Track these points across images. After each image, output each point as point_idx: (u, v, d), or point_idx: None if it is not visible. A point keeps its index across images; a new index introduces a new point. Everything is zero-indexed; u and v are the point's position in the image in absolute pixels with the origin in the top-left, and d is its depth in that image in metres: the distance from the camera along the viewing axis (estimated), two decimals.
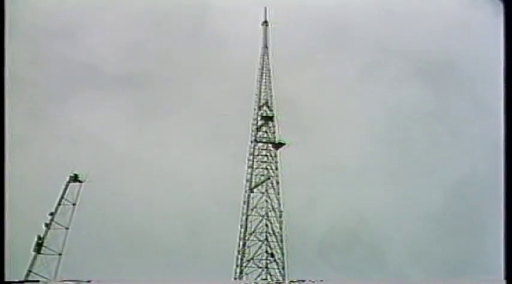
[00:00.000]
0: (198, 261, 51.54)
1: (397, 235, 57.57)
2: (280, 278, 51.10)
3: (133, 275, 49.14)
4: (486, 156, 51.48)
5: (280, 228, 53.57)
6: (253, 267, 51.42)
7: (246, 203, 54.30)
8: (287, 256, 52.09)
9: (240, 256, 51.86)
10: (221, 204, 53.49)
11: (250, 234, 52.77)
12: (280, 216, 54.02)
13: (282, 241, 52.95)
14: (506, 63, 21.07)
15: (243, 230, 52.90)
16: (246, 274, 51.10)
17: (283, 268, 51.79)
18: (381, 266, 56.16)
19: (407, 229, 57.67)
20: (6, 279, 22.74)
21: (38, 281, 27.65)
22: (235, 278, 50.51)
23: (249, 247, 52.14)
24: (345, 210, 54.41)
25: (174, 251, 52.10)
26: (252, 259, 51.64)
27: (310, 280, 32.24)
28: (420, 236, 56.87)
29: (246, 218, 53.49)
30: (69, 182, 51.97)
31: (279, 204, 54.56)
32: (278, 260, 52.00)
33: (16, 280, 26.00)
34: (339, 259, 55.06)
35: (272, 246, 52.42)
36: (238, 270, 51.33)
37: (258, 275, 51.05)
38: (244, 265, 51.51)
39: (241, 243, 52.37)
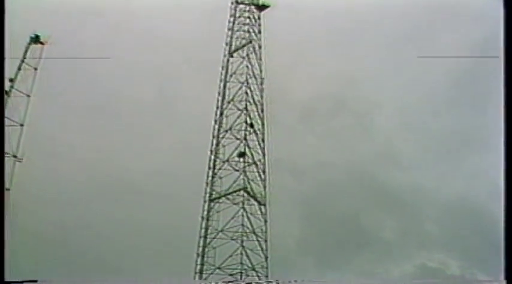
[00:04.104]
0: (170, 129, 48.53)
1: (390, 104, 53.86)
2: (259, 151, 48.15)
3: (100, 139, 46.95)
4: None
5: (261, 96, 49.39)
6: (230, 138, 47.65)
7: (225, 68, 49.59)
8: (267, 126, 48.51)
9: (216, 126, 48.15)
10: (197, 68, 48.67)
11: (229, 102, 48.61)
12: (262, 83, 49.61)
13: (262, 111, 48.95)
14: (506, 63, 19.56)
15: (220, 98, 48.78)
16: (223, 146, 47.61)
17: (262, 140, 48.18)
18: (368, 136, 53.51)
19: (401, 98, 53.55)
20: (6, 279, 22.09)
21: (36, 280, 26.34)
22: (210, 151, 47.39)
23: (226, 116, 48.24)
24: (332, 75, 49.70)
25: (145, 115, 48.49)
26: (230, 129, 47.80)
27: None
28: (415, 107, 53.03)
29: (224, 85, 49.13)
30: (29, 44, 47.26)
31: (261, 70, 49.88)
32: (258, 131, 48.24)
33: (16, 280, 24.78)
34: (322, 126, 52.17)
35: (252, 116, 48.37)
36: (214, 141, 47.91)
37: (236, 148, 47.51)
38: (221, 136, 47.86)
39: (218, 112, 48.42)
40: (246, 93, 48.83)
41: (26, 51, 47.04)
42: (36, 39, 47.13)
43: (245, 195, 45.31)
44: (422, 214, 52.39)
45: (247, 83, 49.10)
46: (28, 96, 45.83)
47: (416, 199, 52.13)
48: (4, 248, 21.03)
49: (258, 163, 46.99)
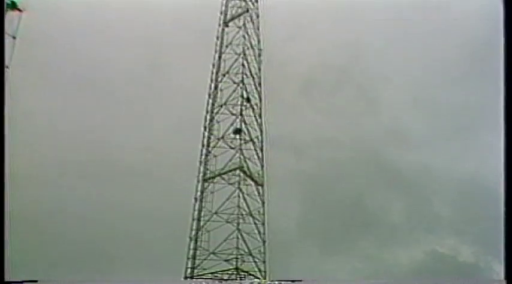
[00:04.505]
0: (161, 103, 45.54)
1: (397, 78, 50.51)
2: (256, 127, 45.12)
3: (86, 114, 44.13)
4: None
5: (259, 69, 46.70)
6: (225, 114, 45.05)
7: (220, 39, 46.77)
8: (265, 100, 45.90)
9: (211, 101, 45.51)
10: (190, 39, 45.36)
11: (224, 75, 45.90)
12: (259, 55, 46.95)
13: (260, 85, 46.26)
14: (506, 63, 19.76)
15: (214, 70, 46.04)
16: (218, 122, 45.02)
17: (260, 116, 45.54)
18: (374, 111, 50.42)
19: (410, 71, 50.20)
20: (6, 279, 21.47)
21: (36, 281, 26.09)
22: (204, 128, 44.78)
23: (221, 90, 45.55)
24: (335, 46, 46.44)
25: (134, 88, 45.44)
26: (225, 104, 45.17)
27: None
28: (425, 81, 49.71)
29: (219, 57, 46.35)
30: (6, 10, 43.78)
31: (258, 41, 47.12)
32: (255, 106, 45.61)
33: (16, 280, 24.16)
34: (324, 100, 49.23)
35: (248, 89, 45.67)
36: (208, 117, 45.26)
37: (231, 124, 44.74)
38: (215, 111, 45.26)
39: (212, 85, 45.77)
40: (243, 65, 46.26)
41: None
42: (13, 6, 43.62)
43: (241, 174, 43.28)
44: (432, 195, 50.41)
45: (244, 55, 46.54)
46: (7, 67, 42.46)
47: (426, 180, 50.27)
48: (4, 248, 20.81)
49: (255, 140, 44.88)
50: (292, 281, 29.88)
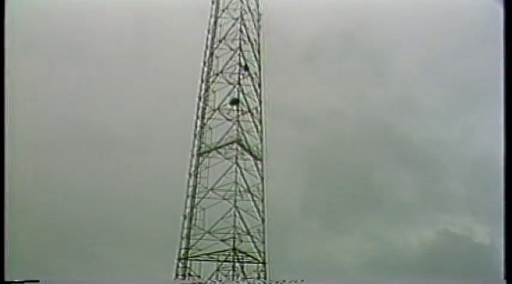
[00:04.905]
0: (152, 71, 42.94)
1: (408, 45, 47.55)
2: (255, 97, 42.67)
3: (71, 83, 43.12)
4: None
5: (258, 35, 44.11)
6: (222, 83, 42.58)
7: (215, 2, 44.08)
8: (265, 68, 43.42)
9: (206, 69, 43.04)
10: (183, 2, 42.27)
11: (220, 41, 43.33)
12: (258, 20, 44.36)
13: (259, 52, 43.76)
14: (506, 63, 20.71)
15: (210, 36, 43.45)
16: (214, 91, 42.67)
17: (259, 85, 43.21)
18: (382, 77, 47.63)
19: (422, 37, 47.09)
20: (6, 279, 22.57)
21: (37, 281, 26.64)
22: (199, 98, 42.41)
23: (217, 57, 43.12)
24: (341, 10, 43.56)
25: (123, 54, 42.78)
26: (221, 72, 42.72)
27: None
28: (438, 48, 46.80)
29: (215, 22, 43.77)
30: None
31: (257, 4, 44.44)
32: (254, 75, 43.24)
33: (16, 280, 25.34)
34: (329, 68, 46.62)
35: (247, 57, 43.19)
36: (203, 86, 42.90)
37: (228, 94, 42.34)
38: (211, 80, 42.88)
39: (207, 52, 43.29)
40: (240, 30, 43.62)
41: None
42: None
43: (239, 148, 41.55)
44: (445, 171, 47.41)
45: (242, 19, 43.85)
46: None
47: (438, 154, 47.12)
48: (4, 248, 21.35)
49: (254, 111, 42.79)
50: (295, 281, 29.38)
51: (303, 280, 28.42)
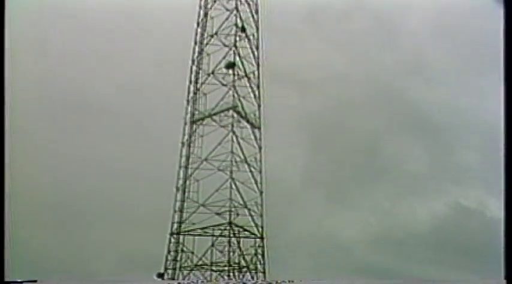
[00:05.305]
0: (142, 32, 40.77)
1: (419, 3, 44.88)
2: (252, 61, 40.74)
3: (59, 46, 41.18)
4: None
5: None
6: (217, 45, 40.62)
7: None
8: (262, 29, 41.50)
9: (200, 30, 41.17)
10: None
11: (214, 1, 41.45)
12: None
13: (256, 12, 41.73)
14: (506, 63, 20.34)
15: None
16: (208, 54, 40.73)
17: (256, 48, 41.22)
18: (391, 42, 45.89)
19: None
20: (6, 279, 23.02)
21: (35, 280, 27.66)
22: (192, 61, 40.68)
23: (212, 17, 41.15)
24: None
25: (111, 15, 40.52)
26: (216, 34, 40.80)
27: None
28: (452, 7, 44.16)
29: None
30: None
31: None
32: (251, 37, 41.29)
33: (16, 280, 26.31)
34: (333, 29, 45.37)
35: (243, 17, 41.17)
36: (197, 48, 41.13)
37: (224, 57, 40.34)
38: (205, 41, 40.95)
39: (201, 12, 41.44)
40: None
41: None
42: None
43: (235, 115, 40.05)
44: (458, 140, 45.85)
45: None
46: None
47: (450, 122, 45.38)
48: (4, 248, 21.76)
49: (251, 76, 41.35)
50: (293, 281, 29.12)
51: (301, 280, 28.37)
